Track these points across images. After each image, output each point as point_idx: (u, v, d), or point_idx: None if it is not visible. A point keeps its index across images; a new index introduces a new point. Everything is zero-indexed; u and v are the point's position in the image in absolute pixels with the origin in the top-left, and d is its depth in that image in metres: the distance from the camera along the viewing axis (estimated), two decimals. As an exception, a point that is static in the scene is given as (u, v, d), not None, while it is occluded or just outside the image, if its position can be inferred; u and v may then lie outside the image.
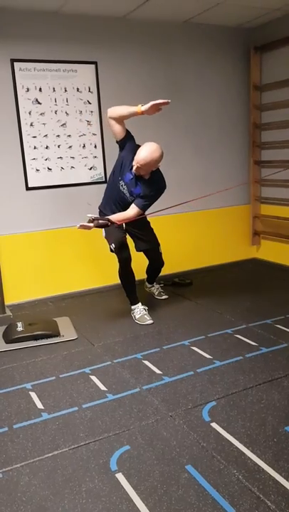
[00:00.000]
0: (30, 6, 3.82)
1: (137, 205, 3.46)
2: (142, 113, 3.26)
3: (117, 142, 3.50)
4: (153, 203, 3.53)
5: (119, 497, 1.89)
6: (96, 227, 3.33)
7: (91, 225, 3.27)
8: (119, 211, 3.55)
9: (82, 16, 4.10)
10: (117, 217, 3.45)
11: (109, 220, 3.38)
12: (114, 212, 3.53)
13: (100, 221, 3.33)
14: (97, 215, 3.36)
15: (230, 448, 2.14)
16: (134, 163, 3.36)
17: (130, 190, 3.51)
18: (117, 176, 3.56)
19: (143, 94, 4.48)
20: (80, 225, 3.25)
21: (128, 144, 3.45)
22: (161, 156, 3.35)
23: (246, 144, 5.18)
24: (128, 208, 3.52)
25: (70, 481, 1.99)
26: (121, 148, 3.51)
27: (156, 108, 3.23)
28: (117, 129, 3.40)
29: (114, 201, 3.61)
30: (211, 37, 4.75)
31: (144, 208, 3.48)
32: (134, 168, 3.37)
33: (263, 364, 2.93)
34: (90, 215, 3.30)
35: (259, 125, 5.06)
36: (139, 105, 3.25)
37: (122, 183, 3.54)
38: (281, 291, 4.35)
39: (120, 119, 3.36)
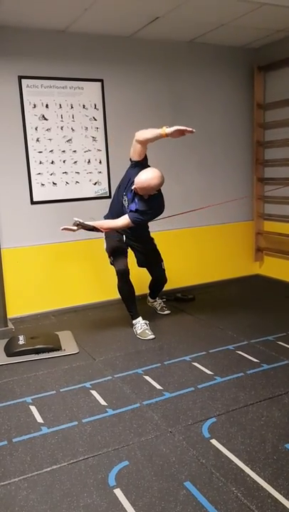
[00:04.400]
0: (39, 25, 3.91)
1: (129, 217, 3.48)
2: (166, 135, 3.32)
3: (131, 160, 3.54)
4: (146, 220, 3.60)
5: (117, 513, 1.88)
6: (85, 229, 3.47)
7: (75, 228, 3.42)
8: None
9: (89, 34, 4.18)
10: (103, 223, 3.53)
11: (94, 226, 3.45)
12: None
13: (85, 226, 3.43)
14: (82, 220, 3.44)
15: (230, 465, 2.13)
16: (135, 184, 3.44)
17: (129, 205, 3.57)
18: (122, 191, 3.62)
19: (148, 112, 4.56)
20: (64, 228, 3.41)
21: (141, 166, 3.49)
22: (160, 183, 3.39)
23: (249, 160, 5.22)
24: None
25: (68, 496, 1.98)
26: (133, 167, 3.55)
27: (180, 133, 3.31)
28: (139, 151, 3.46)
29: (116, 214, 3.65)
30: (216, 56, 4.83)
31: (134, 222, 3.49)
32: (133, 187, 3.46)
33: (264, 381, 2.92)
34: (76, 219, 3.40)
35: (262, 143, 5.11)
36: (164, 127, 3.31)
37: (125, 198, 3.60)
38: (283, 308, 4.34)
39: (146, 143, 3.43)
